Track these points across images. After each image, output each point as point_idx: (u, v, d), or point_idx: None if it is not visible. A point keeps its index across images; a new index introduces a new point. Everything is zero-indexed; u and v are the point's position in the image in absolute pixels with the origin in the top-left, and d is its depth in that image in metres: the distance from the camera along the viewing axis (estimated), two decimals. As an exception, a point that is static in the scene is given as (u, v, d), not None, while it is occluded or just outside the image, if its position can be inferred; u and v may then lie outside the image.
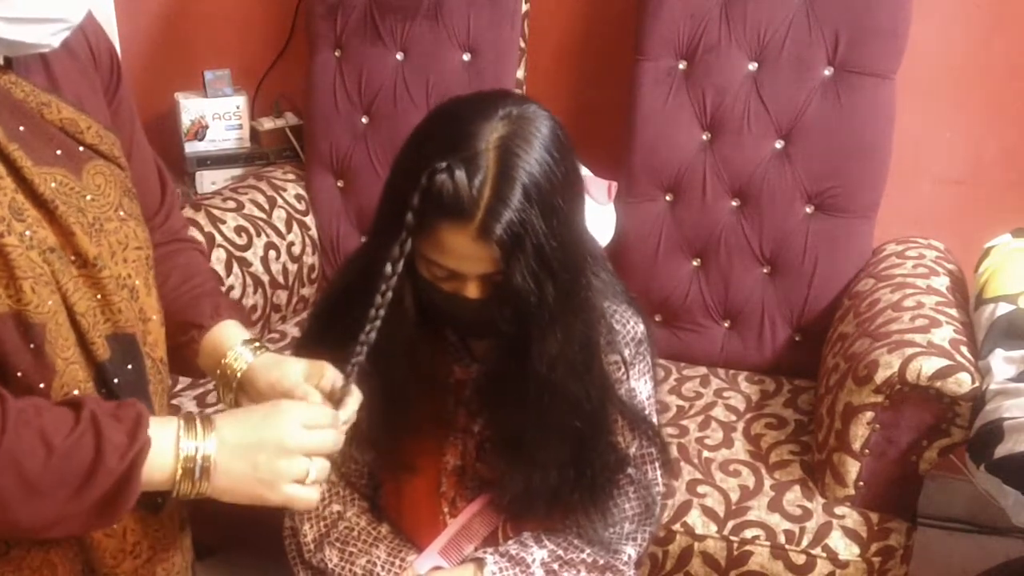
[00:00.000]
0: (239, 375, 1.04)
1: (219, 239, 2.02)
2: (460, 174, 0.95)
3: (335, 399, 1.01)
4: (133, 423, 0.86)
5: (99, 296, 0.91)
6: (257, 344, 1.08)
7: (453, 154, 0.96)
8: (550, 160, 0.99)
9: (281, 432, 0.93)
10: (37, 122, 0.90)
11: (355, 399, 1.02)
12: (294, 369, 1.03)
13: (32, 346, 0.85)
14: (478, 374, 1.19)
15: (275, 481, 0.93)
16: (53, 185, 0.88)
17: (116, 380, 0.93)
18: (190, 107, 2.36)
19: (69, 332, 0.88)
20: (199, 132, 2.38)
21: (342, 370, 1.01)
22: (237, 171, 2.38)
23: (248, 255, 2.07)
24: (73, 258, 0.89)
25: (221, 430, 0.91)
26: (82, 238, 0.89)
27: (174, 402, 1.86)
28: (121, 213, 0.96)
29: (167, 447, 0.88)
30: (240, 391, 1.05)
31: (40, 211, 0.87)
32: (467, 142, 0.97)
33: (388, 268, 0.97)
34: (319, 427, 0.96)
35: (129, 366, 0.95)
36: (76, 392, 0.89)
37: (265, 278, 2.11)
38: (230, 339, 1.07)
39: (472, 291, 1.04)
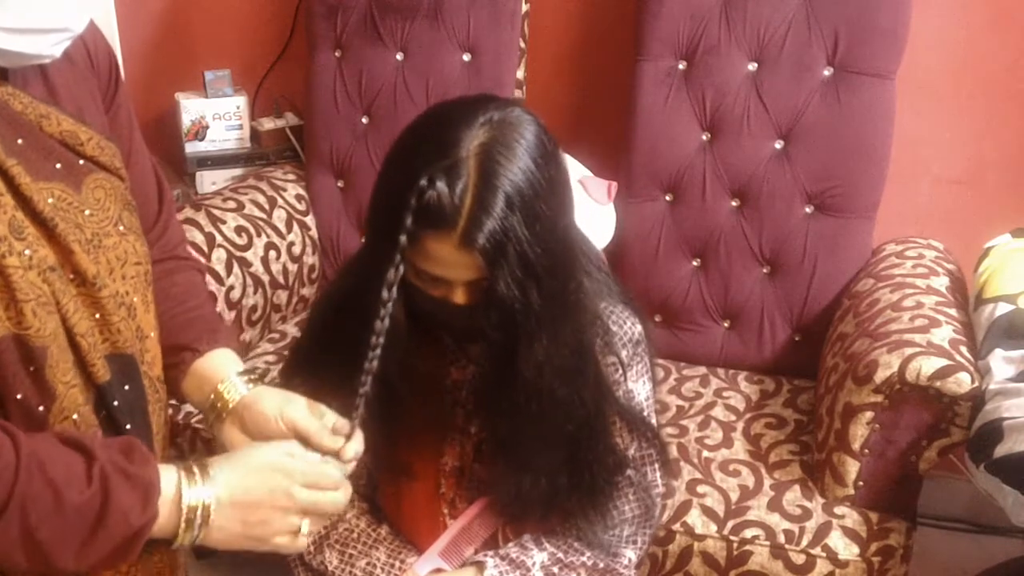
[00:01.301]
0: (230, 406, 1.03)
1: (219, 239, 2.02)
2: (441, 184, 0.94)
3: (341, 432, 1.00)
4: (144, 492, 0.85)
5: (98, 316, 0.89)
6: (252, 376, 1.06)
7: (435, 164, 0.95)
8: (533, 166, 0.98)
9: (278, 495, 0.93)
10: (36, 135, 0.87)
11: (360, 433, 1.01)
12: (299, 404, 1.02)
13: (32, 369, 0.83)
14: (473, 375, 1.18)
15: (265, 538, 0.94)
16: (51, 201, 0.86)
17: (116, 402, 0.91)
18: (190, 107, 2.37)
19: (69, 354, 0.86)
20: (199, 132, 2.38)
21: (345, 396, 1.00)
22: (237, 171, 2.39)
23: (248, 255, 2.07)
24: (72, 276, 0.87)
25: (218, 489, 0.90)
26: (81, 256, 0.87)
27: (172, 402, 1.86)
28: (120, 227, 0.94)
29: (170, 509, 0.88)
30: (230, 420, 1.04)
31: (39, 229, 0.85)
32: (449, 150, 0.96)
33: (385, 293, 0.96)
34: (323, 488, 0.96)
35: (127, 386, 0.93)
36: (76, 416, 0.88)
37: (265, 278, 2.11)
38: (224, 368, 1.05)
39: (459, 297, 1.03)
